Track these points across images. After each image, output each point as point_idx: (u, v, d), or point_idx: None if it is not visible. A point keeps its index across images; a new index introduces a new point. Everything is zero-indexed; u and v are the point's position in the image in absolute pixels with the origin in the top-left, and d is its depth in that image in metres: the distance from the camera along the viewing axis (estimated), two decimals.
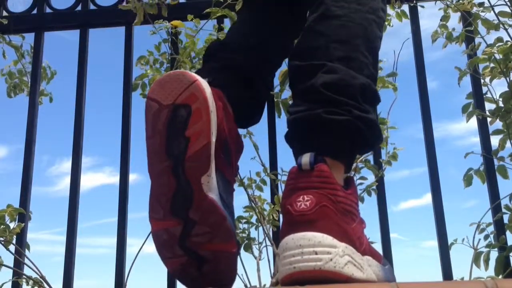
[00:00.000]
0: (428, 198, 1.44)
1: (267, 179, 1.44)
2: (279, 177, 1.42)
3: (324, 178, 0.77)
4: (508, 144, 1.43)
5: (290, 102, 1.44)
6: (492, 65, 1.47)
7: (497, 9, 1.50)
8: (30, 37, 1.74)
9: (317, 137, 0.83)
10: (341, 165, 0.83)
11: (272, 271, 1.31)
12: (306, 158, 0.78)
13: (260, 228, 1.42)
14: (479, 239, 1.35)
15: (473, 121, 1.49)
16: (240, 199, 1.47)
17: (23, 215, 1.47)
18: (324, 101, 0.83)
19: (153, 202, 0.79)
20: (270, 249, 1.37)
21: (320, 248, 0.71)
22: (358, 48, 0.89)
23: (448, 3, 1.56)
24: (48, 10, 1.72)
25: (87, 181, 1.58)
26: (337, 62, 0.86)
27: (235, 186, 1.45)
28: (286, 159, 1.50)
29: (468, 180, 1.44)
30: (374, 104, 0.91)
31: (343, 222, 0.75)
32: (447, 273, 1.34)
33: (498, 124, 1.46)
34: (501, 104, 1.45)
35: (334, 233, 0.73)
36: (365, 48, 0.90)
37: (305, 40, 0.93)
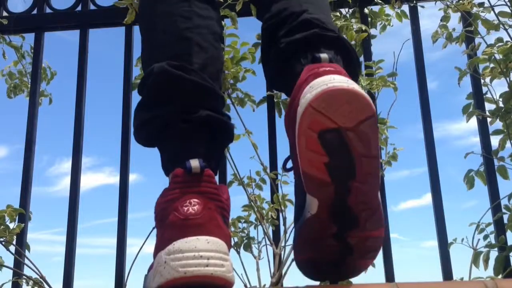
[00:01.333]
0: (428, 198, 1.44)
1: (266, 178, 1.44)
2: (279, 177, 1.42)
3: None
4: (508, 144, 1.43)
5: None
6: (492, 65, 1.47)
7: (497, 9, 1.51)
8: (30, 37, 1.74)
9: (319, 49, 0.89)
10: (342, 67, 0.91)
11: (272, 270, 1.31)
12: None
13: (260, 227, 1.43)
14: (478, 239, 1.35)
15: (473, 121, 1.49)
16: (239, 199, 1.47)
17: (23, 215, 1.47)
18: (316, 26, 0.92)
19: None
20: (270, 248, 1.37)
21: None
22: (324, 5, 1.02)
23: (448, 3, 1.56)
24: (48, 10, 1.72)
25: (87, 181, 1.58)
26: (315, 11, 0.97)
27: (235, 185, 1.46)
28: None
29: (470, 182, 1.43)
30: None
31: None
32: (447, 273, 1.34)
33: (498, 124, 1.46)
34: (501, 104, 1.45)
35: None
36: (328, 8, 1.04)
37: (276, 5, 1.00)
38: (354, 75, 0.93)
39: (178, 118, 0.84)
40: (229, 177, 1.48)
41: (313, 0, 1.00)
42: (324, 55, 0.85)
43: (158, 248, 0.74)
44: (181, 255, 0.69)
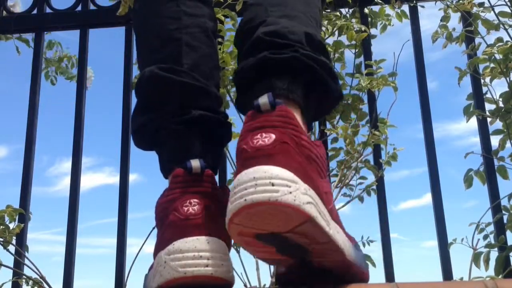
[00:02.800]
0: (428, 198, 1.44)
1: None
2: None
3: (286, 118, 0.68)
4: (508, 144, 1.43)
5: None
6: (492, 65, 1.47)
7: (497, 9, 1.50)
8: (30, 37, 1.74)
9: (265, 80, 0.76)
10: (297, 110, 0.75)
11: (272, 270, 1.31)
12: (264, 99, 0.69)
13: None
14: (478, 239, 1.35)
15: (473, 121, 1.49)
16: None
17: (23, 215, 1.47)
18: (267, 46, 0.78)
19: None
20: None
21: (278, 180, 0.61)
22: (296, 7, 0.86)
23: (448, 3, 1.56)
24: (48, 10, 1.72)
25: (87, 181, 1.58)
26: (277, 18, 0.83)
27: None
28: None
29: (468, 182, 1.44)
30: (326, 55, 0.83)
31: (307, 165, 0.66)
32: (447, 273, 1.34)
33: (498, 124, 1.46)
34: (501, 104, 1.45)
35: (296, 171, 0.64)
36: (305, 10, 0.87)
37: (246, 13, 0.91)
38: (326, 99, 0.81)
39: (171, 120, 0.84)
40: (229, 176, 1.48)
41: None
42: (263, 101, 0.69)
43: (158, 248, 0.74)
44: (181, 255, 0.68)
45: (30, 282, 1.41)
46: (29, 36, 1.75)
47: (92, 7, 1.70)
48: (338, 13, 1.56)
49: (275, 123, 0.67)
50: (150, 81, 0.87)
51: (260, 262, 1.38)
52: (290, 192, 0.60)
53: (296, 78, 0.76)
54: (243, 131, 0.70)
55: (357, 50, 1.53)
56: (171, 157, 0.85)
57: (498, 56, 1.45)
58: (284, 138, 0.65)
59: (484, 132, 1.47)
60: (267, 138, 0.65)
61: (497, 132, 1.45)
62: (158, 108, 0.86)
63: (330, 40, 1.53)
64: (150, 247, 1.38)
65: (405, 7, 1.60)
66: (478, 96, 1.49)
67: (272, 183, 0.60)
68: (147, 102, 0.89)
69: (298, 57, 0.76)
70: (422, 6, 1.59)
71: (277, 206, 0.60)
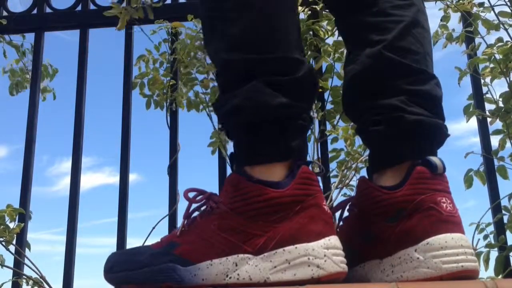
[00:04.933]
0: None
1: None
2: None
3: (448, 184, 0.78)
4: (508, 144, 1.43)
5: None
6: (492, 65, 1.47)
7: (497, 9, 1.50)
8: (30, 37, 1.74)
9: (427, 142, 0.82)
10: None
11: None
12: (438, 161, 0.77)
13: None
14: (478, 239, 1.35)
15: (473, 121, 1.49)
16: None
17: (23, 215, 1.47)
18: (437, 113, 0.83)
19: None
20: None
21: (471, 250, 0.75)
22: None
23: (448, 3, 1.56)
24: (48, 10, 1.73)
25: (87, 181, 1.58)
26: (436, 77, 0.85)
27: None
28: None
29: (468, 182, 1.44)
30: None
31: None
32: None
33: (498, 124, 1.46)
34: (501, 104, 1.45)
35: None
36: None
37: (401, 38, 0.84)
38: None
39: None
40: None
41: (430, 49, 0.87)
42: (438, 162, 0.77)
43: (302, 237, 0.70)
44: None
45: (30, 282, 1.41)
46: (29, 36, 1.75)
47: (92, 7, 1.70)
48: None
49: (449, 189, 0.77)
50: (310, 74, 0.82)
51: None
52: (475, 262, 0.75)
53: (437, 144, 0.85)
54: (419, 187, 0.75)
55: None
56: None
57: (498, 56, 1.45)
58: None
59: (484, 132, 1.47)
60: (451, 205, 0.75)
61: (497, 132, 1.45)
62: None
63: (330, 40, 1.53)
64: None
65: None
66: (478, 96, 1.49)
67: (472, 253, 0.74)
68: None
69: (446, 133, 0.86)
70: None
71: (474, 273, 0.74)
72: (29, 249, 1.47)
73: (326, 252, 0.69)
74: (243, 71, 0.75)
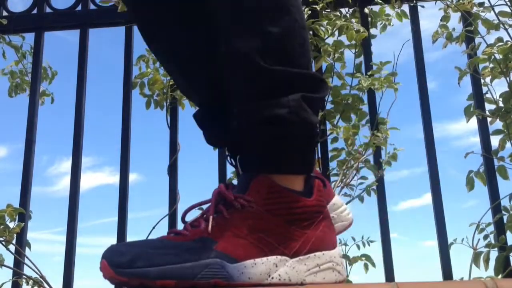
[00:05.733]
0: (428, 198, 1.44)
1: None
2: None
3: None
4: (508, 144, 1.43)
5: None
6: (492, 65, 1.47)
7: (497, 9, 1.51)
8: (30, 38, 1.75)
9: None
10: None
11: None
12: None
13: None
14: (479, 239, 1.35)
15: (473, 121, 1.49)
16: None
17: (23, 215, 1.47)
18: None
19: None
20: None
21: None
22: None
23: (448, 3, 1.56)
24: (48, 10, 1.73)
25: (87, 181, 1.58)
26: None
27: (234, 181, 1.46)
28: None
29: (470, 184, 1.44)
30: None
31: None
32: (447, 273, 1.34)
33: (498, 124, 1.46)
34: (501, 104, 1.45)
35: None
36: None
37: None
38: None
39: None
40: (229, 175, 1.49)
41: None
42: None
43: (324, 245, 0.77)
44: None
45: (30, 282, 1.41)
46: (29, 36, 1.75)
47: (92, 7, 1.70)
48: (338, 13, 1.56)
49: None
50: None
51: None
52: None
53: None
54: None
55: (357, 50, 1.53)
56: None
57: (498, 56, 1.45)
58: None
59: (484, 132, 1.47)
60: None
61: (497, 132, 1.45)
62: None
63: (330, 40, 1.53)
64: None
65: (405, 7, 1.60)
66: (478, 96, 1.49)
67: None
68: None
69: None
70: (422, 6, 1.60)
71: None
72: (29, 248, 1.47)
73: (342, 260, 0.78)
74: (283, 83, 0.75)
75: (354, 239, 1.46)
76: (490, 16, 1.52)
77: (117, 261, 0.68)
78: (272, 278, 0.71)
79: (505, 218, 1.37)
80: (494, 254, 1.33)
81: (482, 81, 1.50)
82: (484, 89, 1.50)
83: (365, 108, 1.50)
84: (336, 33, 1.53)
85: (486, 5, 1.52)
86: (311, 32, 1.54)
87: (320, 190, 0.78)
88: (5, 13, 1.73)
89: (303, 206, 0.75)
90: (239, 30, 0.76)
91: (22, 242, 1.47)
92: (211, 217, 0.72)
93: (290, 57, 0.76)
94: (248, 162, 0.79)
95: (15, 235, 1.42)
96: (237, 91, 0.78)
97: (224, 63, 0.78)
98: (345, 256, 1.44)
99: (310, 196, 0.76)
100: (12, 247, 1.43)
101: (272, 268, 0.72)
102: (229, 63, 0.78)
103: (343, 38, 1.53)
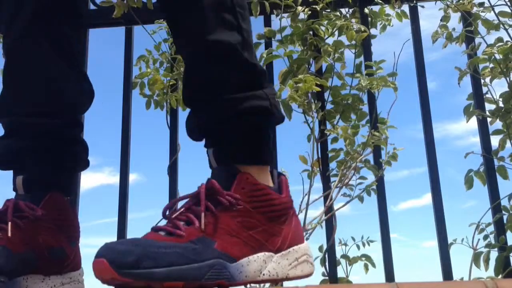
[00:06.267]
0: (427, 198, 1.44)
1: None
2: None
3: None
4: (508, 144, 1.43)
5: (290, 102, 1.44)
6: (492, 65, 1.47)
7: (497, 9, 1.51)
8: None
9: None
10: None
11: None
12: None
13: None
14: (478, 239, 1.35)
15: (473, 121, 1.49)
16: None
17: None
18: None
19: None
20: None
21: None
22: None
23: (448, 3, 1.56)
24: None
25: (87, 181, 1.58)
26: None
27: None
28: (288, 159, 1.51)
29: (469, 183, 1.44)
30: None
31: None
32: (447, 273, 1.34)
33: (498, 124, 1.46)
34: (501, 104, 1.45)
35: None
36: None
37: None
38: None
39: None
40: None
41: None
42: None
43: (296, 239, 0.80)
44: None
45: None
46: None
47: (92, 7, 1.70)
48: (338, 13, 1.56)
49: None
50: None
51: None
52: None
53: None
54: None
55: (357, 50, 1.53)
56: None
57: (498, 56, 1.45)
58: None
59: (484, 132, 1.47)
60: None
61: (497, 132, 1.45)
62: None
63: (330, 40, 1.53)
64: None
65: (405, 7, 1.60)
66: (478, 96, 1.49)
67: None
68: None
69: None
70: (422, 6, 1.60)
71: None
72: None
73: (311, 252, 0.82)
74: (260, 76, 0.82)
75: (354, 239, 1.46)
76: (490, 16, 1.52)
77: (119, 261, 0.63)
78: (264, 274, 0.74)
79: (505, 218, 1.37)
80: (494, 254, 1.33)
81: (482, 81, 1.50)
82: (484, 89, 1.50)
83: (365, 108, 1.50)
84: (336, 33, 1.53)
85: (486, 5, 1.52)
86: (311, 32, 1.54)
87: (287, 186, 0.83)
88: None
89: (280, 203, 0.79)
90: (221, 25, 0.80)
91: None
92: (202, 214, 0.72)
93: (255, 53, 0.85)
94: (224, 155, 0.80)
95: None
96: (219, 82, 0.80)
97: (203, 56, 0.80)
98: (345, 256, 1.44)
99: (280, 192, 0.80)
100: None
101: (263, 265, 0.74)
102: (211, 55, 0.80)
103: (343, 38, 1.53)
